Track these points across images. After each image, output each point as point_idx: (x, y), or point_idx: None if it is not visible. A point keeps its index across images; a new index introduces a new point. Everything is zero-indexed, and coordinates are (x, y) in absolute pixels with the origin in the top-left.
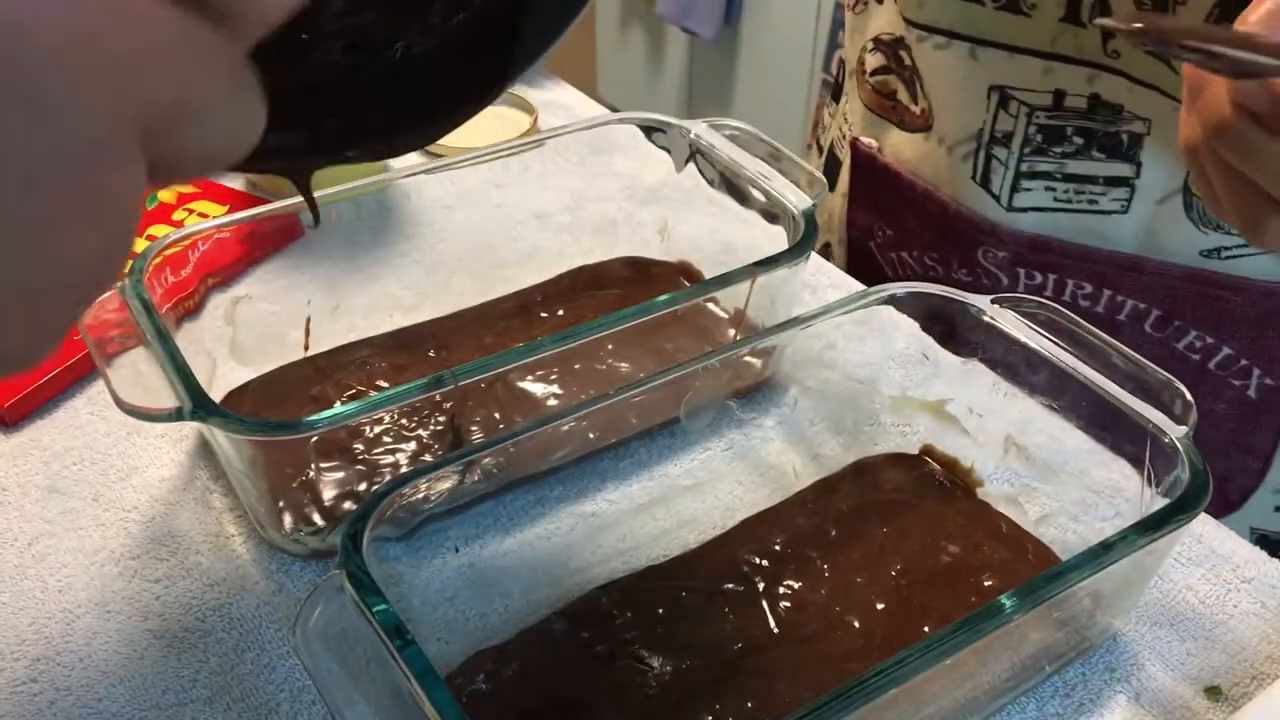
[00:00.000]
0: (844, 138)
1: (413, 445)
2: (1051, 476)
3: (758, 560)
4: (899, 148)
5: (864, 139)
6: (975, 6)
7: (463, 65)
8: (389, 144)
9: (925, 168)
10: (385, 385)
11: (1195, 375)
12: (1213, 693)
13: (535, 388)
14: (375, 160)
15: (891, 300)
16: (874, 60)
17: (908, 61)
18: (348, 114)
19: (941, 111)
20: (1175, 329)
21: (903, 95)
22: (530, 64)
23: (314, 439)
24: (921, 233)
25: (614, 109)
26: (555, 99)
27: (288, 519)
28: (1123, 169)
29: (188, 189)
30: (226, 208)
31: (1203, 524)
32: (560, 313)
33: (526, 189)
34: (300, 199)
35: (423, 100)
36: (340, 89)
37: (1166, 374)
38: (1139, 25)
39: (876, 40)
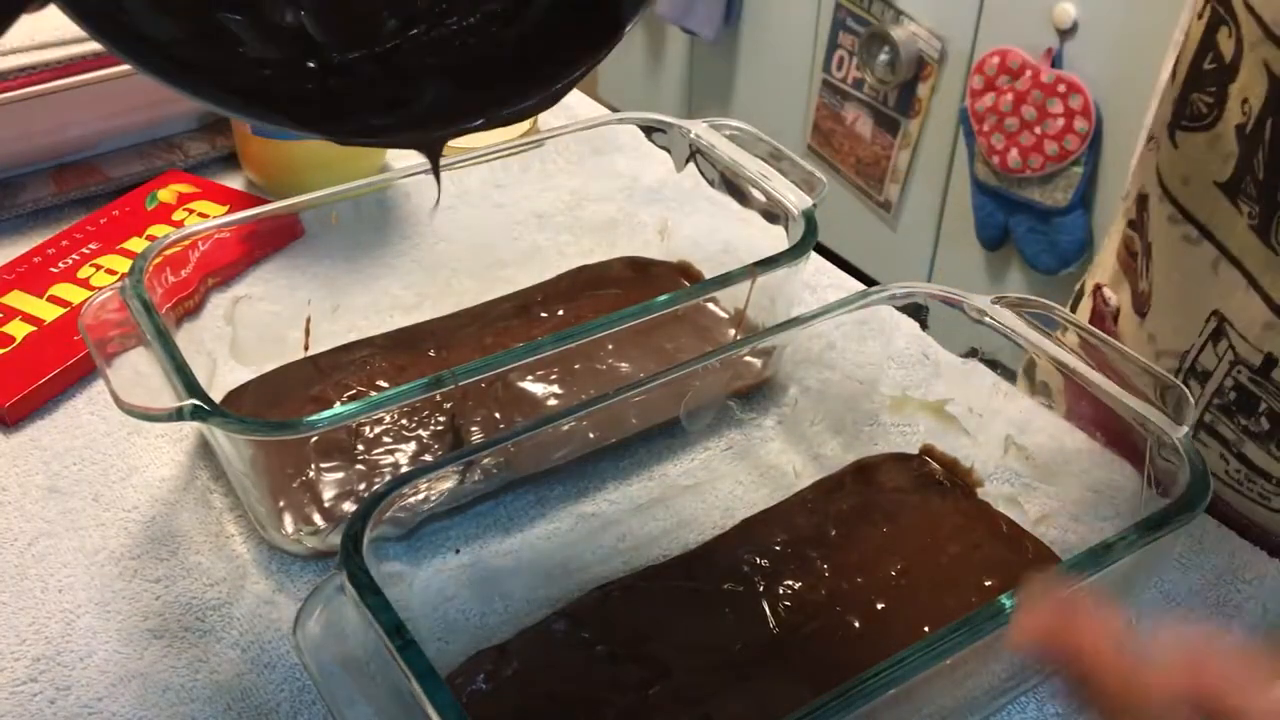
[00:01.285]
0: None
1: (413, 445)
2: (1051, 476)
3: (758, 560)
4: (1124, 318)
5: (1109, 290)
6: (1234, 211)
7: (575, 17)
8: (517, 108)
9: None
10: (385, 385)
11: None
12: None
13: (535, 388)
14: (505, 125)
15: (891, 300)
16: (1133, 210)
17: (1146, 227)
18: (467, 82)
19: (1160, 306)
20: None
21: (1139, 261)
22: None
23: (314, 439)
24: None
25: (614, 109)
26: None
27: (288, 519)
28: None
29: (188, 189)
30: (226, 208)
31: (1203, 525)
32: (560, 313)
33: (526, 189)
34: (303, 198)
35: (542, 58)
36: (457, 57)
37: (1167, 374)
38: None
39: (1140, 191)
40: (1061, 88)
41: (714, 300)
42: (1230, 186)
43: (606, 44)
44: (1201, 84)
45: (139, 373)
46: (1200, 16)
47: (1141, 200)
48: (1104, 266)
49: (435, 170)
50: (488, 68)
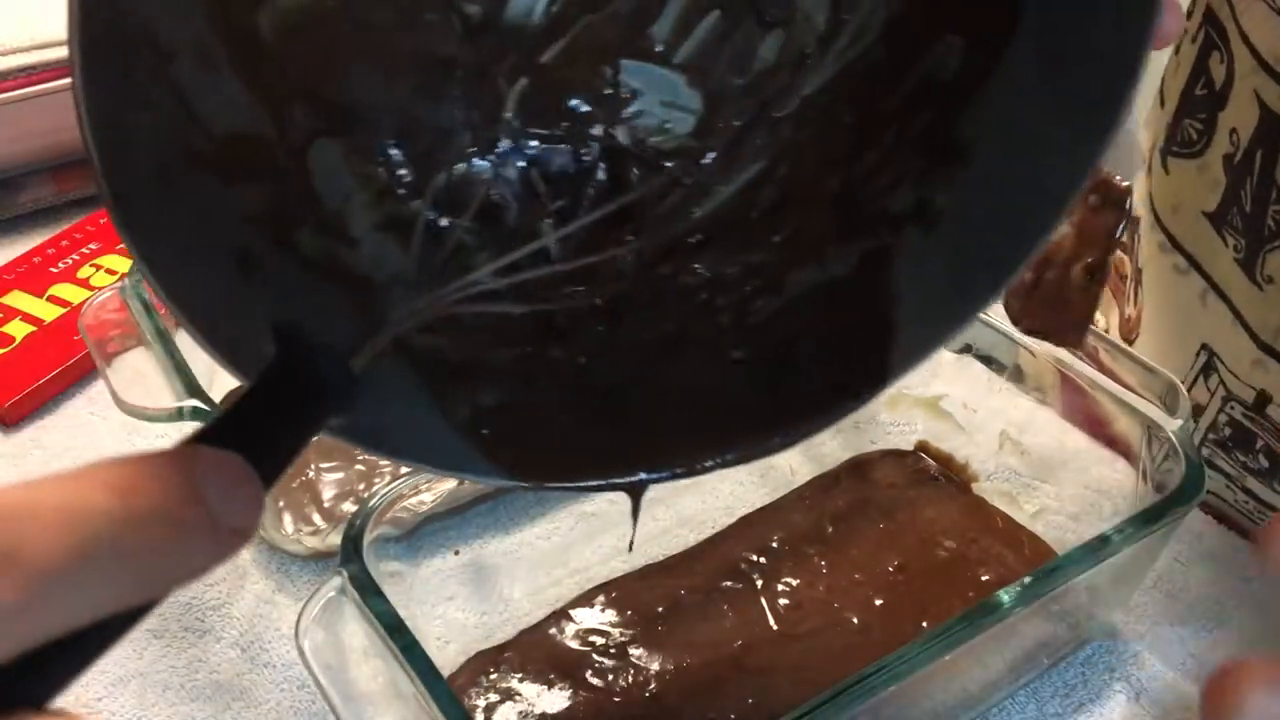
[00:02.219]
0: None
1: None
2: (1047, 472)
3: (756, 558)
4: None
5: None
6: (1220, 243)
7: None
8: (744, 453)
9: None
10: None
11: None
12: None
13: None
14: (710, 471)
15: None
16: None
17: (1137, 251)
18: (696, 377)
19: (1149, 335)
20: None
21: (1128, 285)
22: (910, 366)
23: (313, 439)
24: None
25: None
26: None
27: (288, 519)
28: None
29: None
30: None
31: (1203, 523)
32: None
33: None
34: None
35: (787, 384)
36: (694, 330)
37: (1160, 368)
38: None
39: (1134, 213)
40: None
41: None
42: (1217, 217)
43: (863, 394)
44: (1193, 110)
45: (139, 373)
46: (1194, 40)
47: (1135, 223)
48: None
49: (635, 511)
50: (723, 374)
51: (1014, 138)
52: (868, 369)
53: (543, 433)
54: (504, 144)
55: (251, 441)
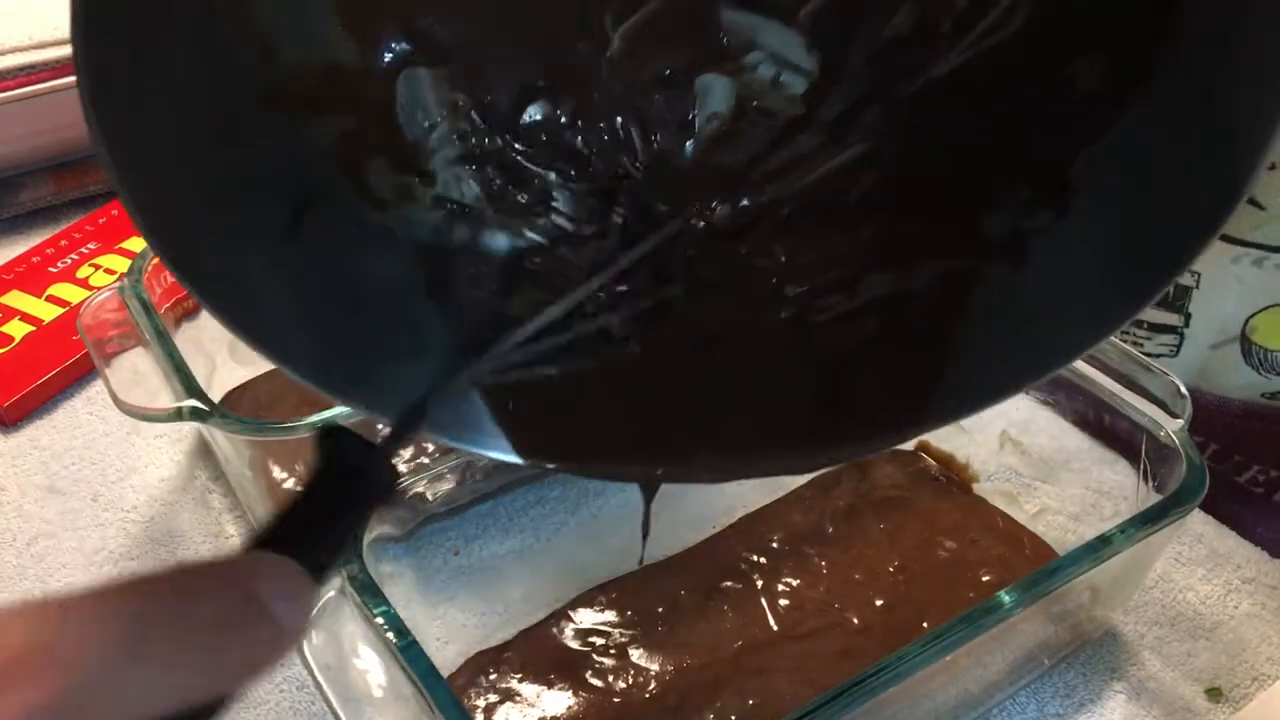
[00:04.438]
0: None
1: (412, 445)
2: (1047, 472)
3: (756, 558)
4: None
5: None
6: None
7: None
8: (750, 466)
9: None
10: None
11: (1258, 510)
12: (1213, 694)
13: None
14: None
15: None
16: None
17: None
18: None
19: None
20: (1235, 463)
21: None
22: (956, 416)
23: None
24: None
25: None
26: None
27: None
28: (1169, 318)
29: None
30: None
31: (1203, 524)
32: None
33: None
34: None
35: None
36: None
37: (1162, 369)
38: None
39: None
40: None
41: None
42: None
43: (901, 431)
44: None
45: (138, 373)
46: None
47: None
48: None
49: (647, 507)
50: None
51: (1119, 202)
52: (912, 405)
53: (566, 410)
54: (604, 83)
55: (303, 543)
